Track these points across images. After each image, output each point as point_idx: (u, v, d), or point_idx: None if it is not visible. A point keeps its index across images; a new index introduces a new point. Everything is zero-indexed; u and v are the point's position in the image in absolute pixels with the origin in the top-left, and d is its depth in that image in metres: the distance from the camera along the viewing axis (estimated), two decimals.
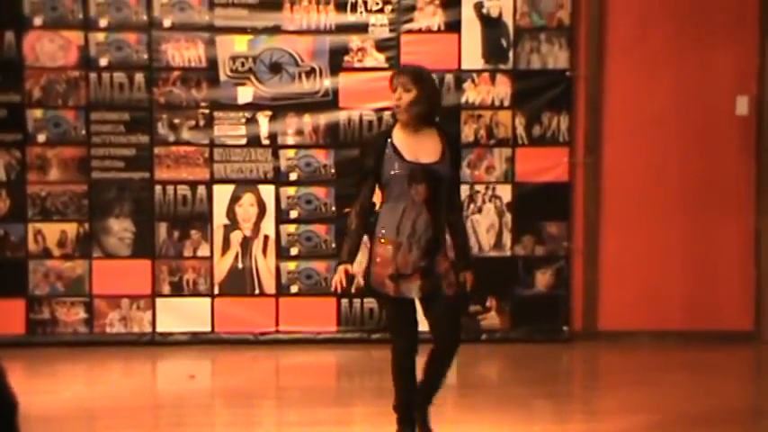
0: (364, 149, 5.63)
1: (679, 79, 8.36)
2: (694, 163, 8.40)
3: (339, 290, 5.40)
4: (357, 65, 8.23)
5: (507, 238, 8.41)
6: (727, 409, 6.54)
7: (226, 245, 8.31)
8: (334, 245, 8.15)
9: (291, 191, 8.30)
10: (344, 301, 8.26)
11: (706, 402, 6.67)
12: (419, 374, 5.58)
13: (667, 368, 7.66)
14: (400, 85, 5.36)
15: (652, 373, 7.48)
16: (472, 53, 8.29)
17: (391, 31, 8.26)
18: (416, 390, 5.59)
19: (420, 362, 5.49)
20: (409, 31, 8.27)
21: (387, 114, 8.16)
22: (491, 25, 8.29)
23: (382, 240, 5.36)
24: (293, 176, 8.30)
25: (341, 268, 5.36)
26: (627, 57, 8.36)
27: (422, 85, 5.38)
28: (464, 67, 8.30)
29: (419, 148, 5.37)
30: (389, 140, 5.38)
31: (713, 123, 8.40)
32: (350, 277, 5.49)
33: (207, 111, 8.25)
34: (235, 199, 8.30)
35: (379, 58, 8.21)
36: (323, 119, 8.24)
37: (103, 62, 8.19)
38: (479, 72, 8.32)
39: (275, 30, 8.23)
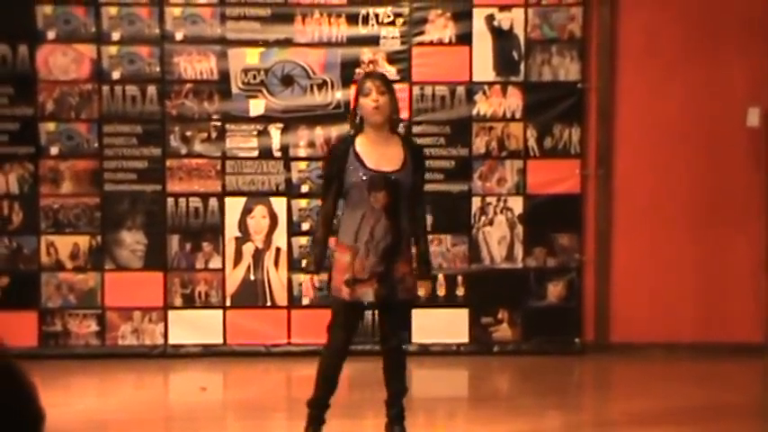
0: (328, 157, 5.79)
1: (690, 91, 8.36)
2: (705, 175, 8.39)
3: (310, 298, 5.69)
4: None
5: (519, 250, 8.41)
6: (738, 422, 6.53)
7: (238, 257, 8.32)
8: None
9: (303, 203, 8.32)
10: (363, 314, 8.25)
11: (718, 415, 6.66)
12: (384, 392, 5.76)
13: (679, 380, 7.65)
14: (375, 87, 5.47)
15: (664, 386, 7.46)
16: (483, 65, 8.30)
17: (403, 43, 8.28)
18: (387, 404, 5.74)
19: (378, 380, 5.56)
20: (421, 44, 8.28)
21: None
22: (502, 37, 8.30)
23: (341, 246, 5.49)
24: (305, 189, 8.31)
25: (307, 278, 5.60)
26: (638, 69, 8.36)
27: (392, 90, 5.56)
28: (475, 79, 8.31)
29: (381, 156, 5.48)
30: (352, 148, 5.49)
31: (724, 135, 8.40)
32: (322, 284, 5.72)
33: (219, 123, 8.27)
34: (247, 211, 8.31)
35: (390, 71, 8.22)
36: (335, 131, 8.25)
37: (116, 75, 8.22)
38: (491, 84, 8.33)
39: (287, 42, 8.25)
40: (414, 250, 5.67)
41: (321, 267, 5.70)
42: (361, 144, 5.53)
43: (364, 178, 5.43)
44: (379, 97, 5.46)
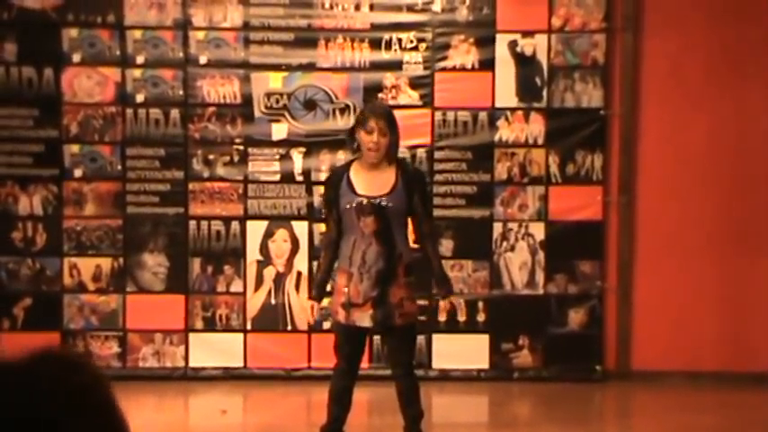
0: (326, 183, 5.89)
1: (714, 119, 8.33)
2: (729, 203, 8.36)
3: (311, 323, 5.82)
4: (391, 102, 8.25)
5: (540, 277, 8.39)
6: None
7: (259, 280, 8.33)
8: None
9: (324, 227, 8.31)
10: (376, 338, 8.25)
11: None
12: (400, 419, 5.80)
13: (701, 409, 7.60)
14: (378, 129, 5.51)
15: (686, 414, 7.42)
16: (506, 91, 8.30)
17: (425, 68, 8.29)
18: (405, 430, 5.77)
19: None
20: (443, 69, 8.29)
21: (420, 151, 8.19)
22: (525, 63, 8.30)
23: (340, 270, 5.57)
24: (324, 222, 8.30)
25: (308, 304, 5.69)
26: (661, 96, 8.35)
27: (395, 128, 5.60)
28: (498, 105, 8.31)
29: (373, 182, 5.55)
30: (347, 175, 5.56)
31: (748, 163, 8.36)
32: (324, 313, 5.83)
33: (241, 147, 8.30)
34: (268, 235, 8.33)
35: (413, 96, 8.24)
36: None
37: (140, 98, 8.26)
38: (513, 110, 8.33)
39: (310, 67, 8.28)
40: (430, 251, 5.76)
41: (322, 295, 5.81)
42: (355, 170, 5.62)
43: (352, 205, 5.50)
44: (380, 139, 5.52)
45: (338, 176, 5.67)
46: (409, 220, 5.70)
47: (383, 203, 5.51)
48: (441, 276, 5.82)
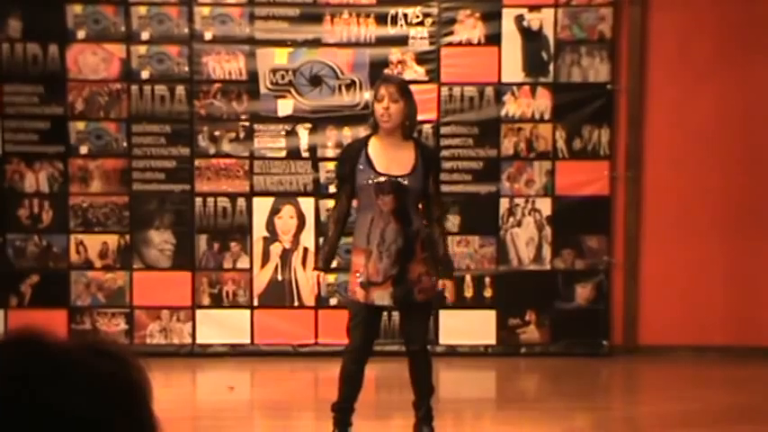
0: (341, 157, 5.84)
1: (722, 93, 8.30)
2: (736, 178, 8.33)
3: (317, 295, 5.82)
4: None
5: (547, 252, 8.38)
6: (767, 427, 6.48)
7: (265, 257, 8.32)
8: None
9: (331, 203, 8.28)
10: (384, 315, 8.23)
11: (746, 419, 6.61)
12: (411, 395, 5.78)
13: (708, 384, 7.60)
14: (388, 94, 5.50)
15: (692, 389, 7.42)
16: (512, 66, 8.27)
17: (431, 43, 8.26)
18: (414, 405, 5.75)
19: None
20: (449, 44, 8.26)
21: (427, 127, 8.17)
22: (531, 38, 8.27)
23: (355, 249, 5.54)
24: (333, 189, 8.29)
25: (314, 274, 5.67)
26: (669, 70, 8.31)
27: (408, 96, 5.55)
28: (504, 80, 8.28)
29: (392, 160, 5.50)
30: (365, 151, 5.52)
31: (756, 139, 8.34)
32: (339, 287, 5.80)
33: (247, 123, 8.28)
34: (274, 211, 8.32)
35: (419, 71, 8.21)
36: (363, 131, 8.21)
37: (145, 75, 8.24)
38: (519, 85, 8.30)
39: (315, 43, 8.25)
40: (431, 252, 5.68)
41: (329, 266, 5.80)
42: (373, 146, 5.56)
43: (372, 182, 5.46)
44: (391, 105, 5.48)
45: (355, 151, 5.62)
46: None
47: (404, 183, 5.48)
48: (445, 261, 5.81)
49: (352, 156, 5.61)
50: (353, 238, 5.69)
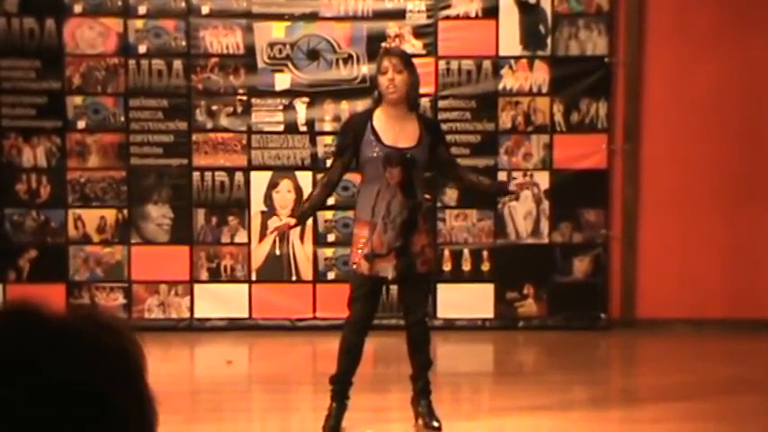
0: (344, 127, 5.84)
1: (720, 66, 8.28)
2: (735, 150, 8.33)
3: (272, 234, 5.98)
4: None
5: (545, 226, 8.38)
6: (766, 399, 6.50)
7: (263, 231, 8.32)
8: None
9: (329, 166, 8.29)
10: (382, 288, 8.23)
11: (744, 391, 6.63)
12: (409, 368, 5.79)
13: (706, 356, 7.62)
14: (392, 66, 5.51)
15: (690, 362, 7.44)
16: (510, 39, 8.26)
17: (429, 17, 8.24)
18: (412, 378, 5.76)
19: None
20: (447, 18, 8.24)
21: (424, 100, 8.15)
22: (529, 11, 8.24)
23: (359, 221, 5.55)
24: (330, 163, 8.28)
25: (286, 219, 5.75)
26: (667, 43, 8.30)
27: (411, 68, 5.57)
28: (502, 53, 8.27)
29: (398, 132, 5.52)
30: (370, 123, 5.52)
31: (754, 110, 8.33)
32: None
33: (245, 97, 8.27)
34: (272, 185, 8.32)
35: (416, 45, 8.19)
36: (360, 105, 8.21)
37: (142, 49, 8.22)
38: (517, 58, 8.28)
39: (313, 16, 8.23)
40: (473, 183, 6.03)
41: (304, 222, 5.96)
42: (378, 119, 5.56)
43: (379, 154, 5.46)
44: (395, 76, 5.48)
45: (360, 123, 5.61)
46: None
47: (411, 155, 5.49)
48: (496, 187, 6.57)
49: (356, 128, 5.60)
50: (356, 211, 5.71)
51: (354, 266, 5.62)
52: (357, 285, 5.64)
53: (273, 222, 8.24)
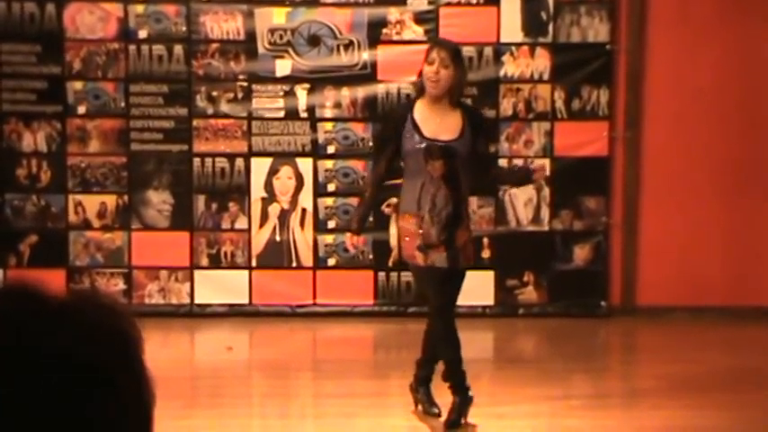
0: (386, 119, 5.79)
1: (721, 53, 8.27)
2: (735, 138, 8.32)
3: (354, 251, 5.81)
4: (395, 38, 8.20)
5: (545, 213, 8.38)
6: (766, 386, 6.51)
7: (263, 217, 8.32)
8: (372, 219, 8.14)
9: (329, 164, 8.30)
10: (381, 275, 8.26)
11: (744, 379, 6.64)
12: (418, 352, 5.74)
13: (706, 344, 7.62)
14: (439, 59, 5.38)
15: (690, 349, 7.45)
16: (511, 26, 8.24)
17: (430, 3, 8.21)
18: (417, 364, 5.72)
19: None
20: (448, 4, 8.22)
21: None
22: None
23: (405, 215, 5.47)
24: (331, 149, 8.29)
25: (348, 236, 5.65)
26: (669, 30, 8.28)
27: (459, 63, 5.46)
28: (503, 40, 8.25)
29: (440, 124, 5.43)
30: (411, 115, 5.44)
31: (756, 98, 8.32)
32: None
33: (245, 83, 8.25)
34: (273, 172, 8.31)
35: (417, 31, 8.17)
36: (361, 92, 8.22)
37: (143, 34, 8.20)
38: (518, 45, 8.26)
39: (313, 2, 8.20)
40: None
41: (361, 228, 5.76)
42: (419, 111, 5.47)
43: (421, 146, 5.38)
44: (441, 70, 5.37)
45: (401, 116, 5.54)
46: None
47: (452, 147, 5.42)
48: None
49: (397, 119, 5.55)
50: (401, 205, 5.56)
51: (410, 259, 5.52)
52: (419, 278, 5.61)
53: (274, 209, 8.26)
